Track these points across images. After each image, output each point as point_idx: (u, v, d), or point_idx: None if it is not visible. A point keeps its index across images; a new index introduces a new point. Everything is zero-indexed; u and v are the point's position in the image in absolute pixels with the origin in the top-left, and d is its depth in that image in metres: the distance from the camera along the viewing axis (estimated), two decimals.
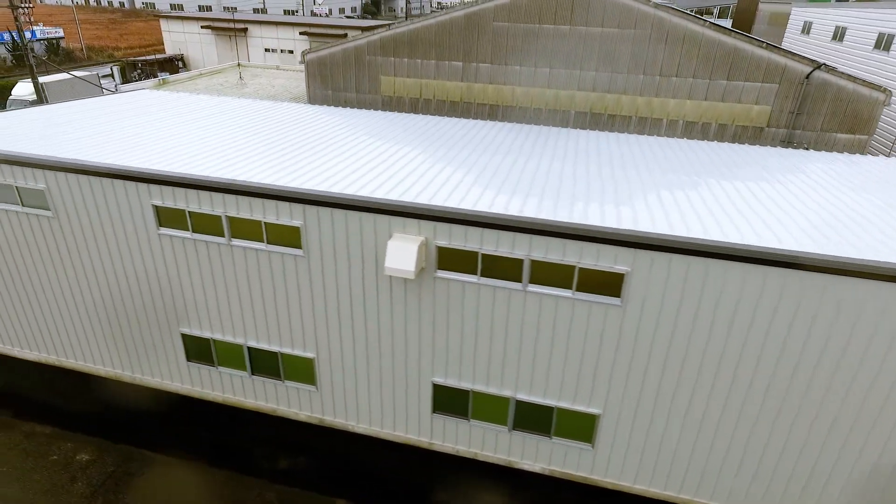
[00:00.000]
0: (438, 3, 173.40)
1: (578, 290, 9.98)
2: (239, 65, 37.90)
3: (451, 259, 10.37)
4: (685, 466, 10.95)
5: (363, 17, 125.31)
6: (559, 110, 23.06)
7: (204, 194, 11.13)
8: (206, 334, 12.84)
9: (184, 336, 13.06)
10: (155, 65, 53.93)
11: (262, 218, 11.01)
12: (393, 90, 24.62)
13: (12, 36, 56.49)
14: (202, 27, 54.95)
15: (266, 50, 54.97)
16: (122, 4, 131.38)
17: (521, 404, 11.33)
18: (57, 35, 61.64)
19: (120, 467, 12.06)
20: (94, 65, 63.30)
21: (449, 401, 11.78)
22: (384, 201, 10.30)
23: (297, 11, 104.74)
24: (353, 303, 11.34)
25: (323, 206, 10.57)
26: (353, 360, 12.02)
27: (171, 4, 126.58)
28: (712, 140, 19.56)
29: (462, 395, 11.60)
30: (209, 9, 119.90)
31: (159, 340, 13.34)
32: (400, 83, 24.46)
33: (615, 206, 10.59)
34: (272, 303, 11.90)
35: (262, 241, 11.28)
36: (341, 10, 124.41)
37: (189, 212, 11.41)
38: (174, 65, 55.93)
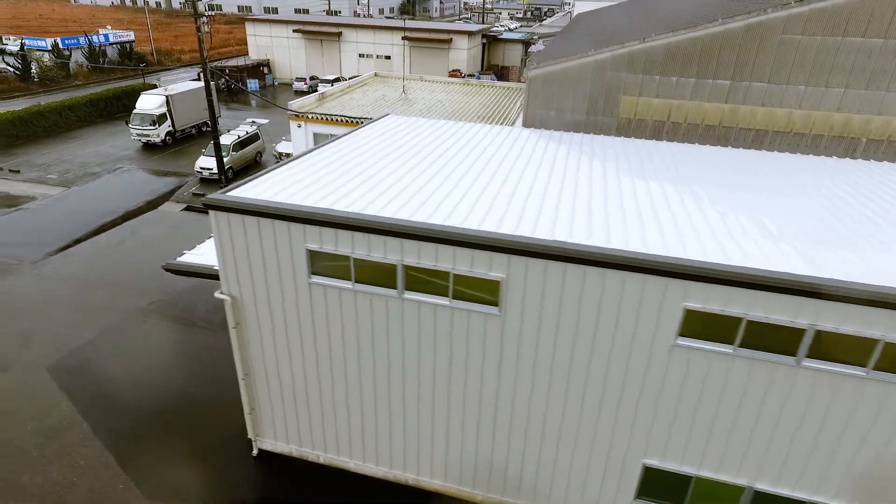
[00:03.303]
0: (465, 4, 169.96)
1: None
2: (376, 74, 34.53)
3: None
4: None
5: (400, 17, 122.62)
6: (846, 137, 19.62)
7: (785, 300, 7.77)
8: (687, 470, 9.49)
9: (646, 469, 9.72)
10: (244, 71, 50.53)
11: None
12: (634, 112, 21.26)
13: (89, 41, 53.24)
14: (294, 31, 51.56)
15: (360, 55, 51.63)
16: (157, 5, 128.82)
17: None
18: (128, 39, 58.31)
19: None
20: (162, 70, 60.12)
21: None
22: None
23: (339, 12, 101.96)
24: None
25: None
26: None
27: (208, 5, 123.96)
28: None
29: None
30: (249, 10, 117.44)
31: (599, 468, 10.01)
32: (644, 104, 21.07)
33: None
34: (834, 437, 8.55)
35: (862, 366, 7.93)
36: (381, 11, 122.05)
37: (749, 320, 8.06)
38: (260, 71, 52.55)
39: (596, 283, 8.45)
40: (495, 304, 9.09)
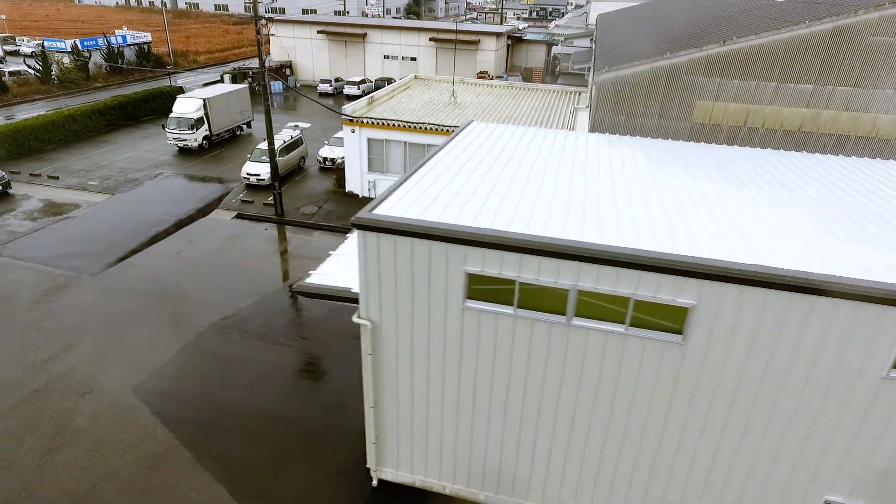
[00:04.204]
0: (468, 4, 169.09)
1: None
2: (416, 77, 33.84)
3: None
4: None
5: (407, 17, 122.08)
6: None
7: None
8: None
9: None
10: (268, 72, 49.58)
11: None
12: (708, 117, 20.68)
13: (108, 42, 52.31)
14: (318, 32, 50.78)
15: (385, 57, 50.90)
16: (164, 5, 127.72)
17: None
18: (145, 40, 57.40)
19: None
20: (177, 72, 59.22)
21: None
22: None
23: (348, 12, 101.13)
24: None
25: None
26: None
27: (215, 5, 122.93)
28: None
29: None
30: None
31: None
32: (720, 109, 20.50)
33: None
34: None
35: None
36: (387, 12, 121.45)
37: None
38: (283, 73, 51.76)
39: (801, 311, 7.81)
40: (678, 331, 8.44)
